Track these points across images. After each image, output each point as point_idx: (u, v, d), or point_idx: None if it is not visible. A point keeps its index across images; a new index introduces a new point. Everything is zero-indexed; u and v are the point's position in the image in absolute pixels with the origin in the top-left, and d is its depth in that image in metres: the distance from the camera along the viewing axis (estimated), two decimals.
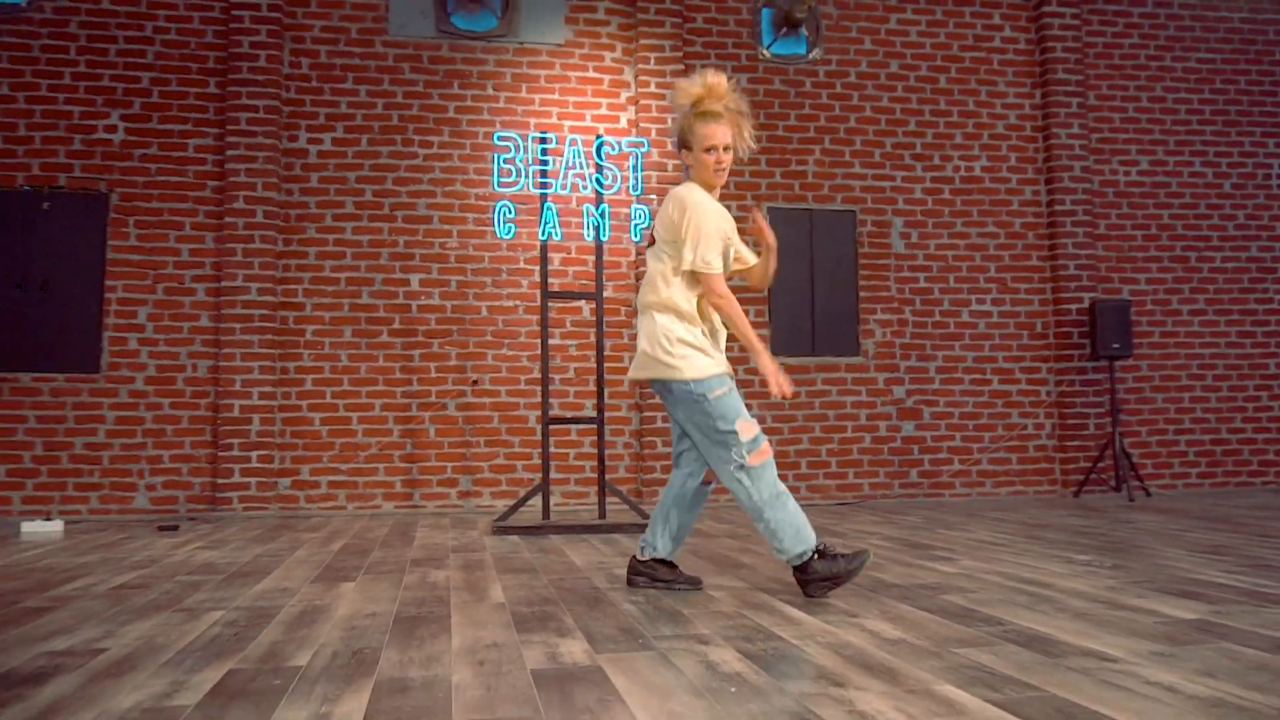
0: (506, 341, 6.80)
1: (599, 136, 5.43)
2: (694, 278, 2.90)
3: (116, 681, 1.94)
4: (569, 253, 6.88)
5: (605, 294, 6.61)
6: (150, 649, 2.25)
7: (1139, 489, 7.13)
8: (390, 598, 2.98)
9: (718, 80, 2.88)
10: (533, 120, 6.96)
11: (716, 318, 2.99)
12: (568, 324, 6.86)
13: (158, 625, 2.54)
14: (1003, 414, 7.44)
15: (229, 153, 6.49)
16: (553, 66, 7.08)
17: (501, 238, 5.38)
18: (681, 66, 7.12)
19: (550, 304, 6.68)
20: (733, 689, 1.86)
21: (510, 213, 5.20)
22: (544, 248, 5.23)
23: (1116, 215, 7.78)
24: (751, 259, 3.11)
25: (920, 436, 7.30)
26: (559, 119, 7.02)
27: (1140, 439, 7.59)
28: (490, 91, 6.97)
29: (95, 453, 6.23)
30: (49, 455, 6.18)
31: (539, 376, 6.20)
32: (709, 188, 2.94)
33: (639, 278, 6.79)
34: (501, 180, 5.18)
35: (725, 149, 2.88)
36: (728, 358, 3.01)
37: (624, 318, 6.93)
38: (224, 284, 6.42)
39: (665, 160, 6.91)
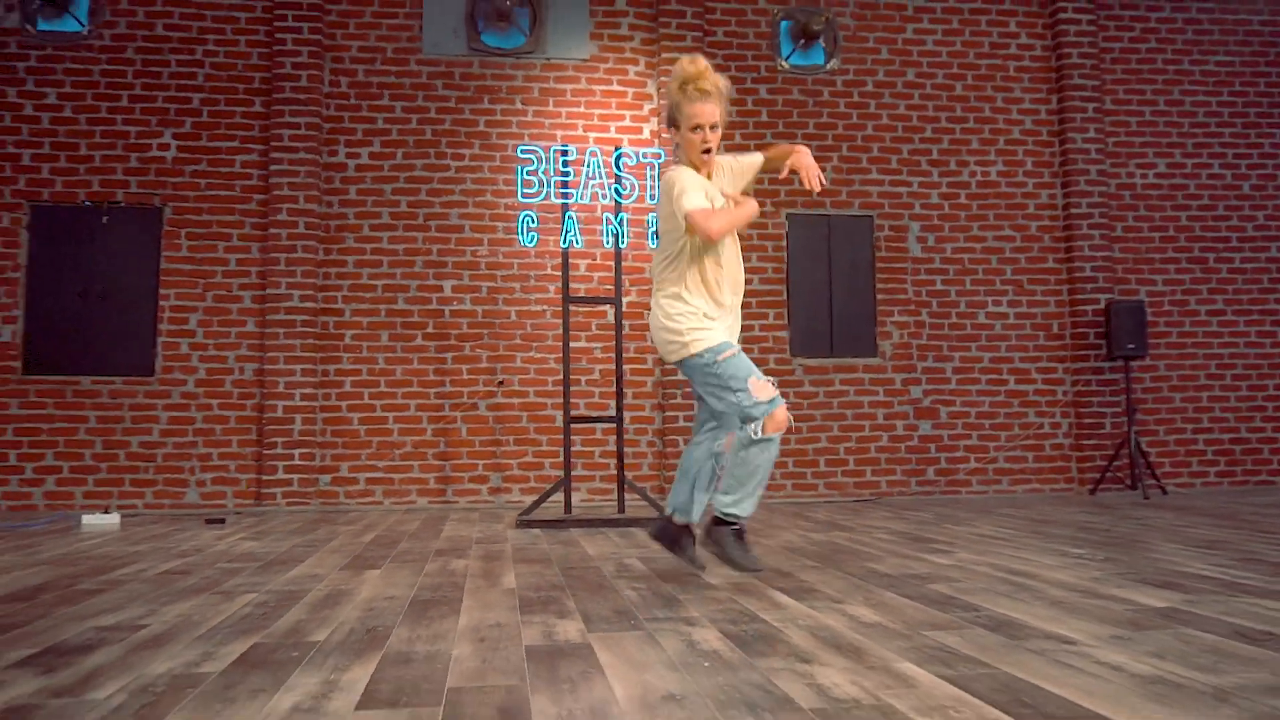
0: (534, 345, 6.96)
1: (618, 149, 5.57)
2: (691, 255, 2.93)
3: (153, 652, 2.12)
4: (594, 259, 7.03)
5: (629, 298, 6.75)
6: (186, 625, 2.42)
7: (1155, 487, 7.08)
8: (410, 583, 3.14)
9: (703, 63, 2.95)
10: (559, 132, 7.11)
11: (723, 292, 2.98)
12: (593, 327, 7.00)
13: (195, 606, 2.72)
14: (1019, 413, 7.43)
15: (273, 168, 6.74)
16: (578, 81, 7.23)
17: (525, 246, 5.54)
18: None
19: (576, 308, 6.84)
20: (706, 664, 1.97)
21: (533, 222, 5.37)
22: (565, 255, 5.37)
23: (1134, 217, 7.73)
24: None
25: (937, 435, 7.32)
26: (584, 131, 7.17)
27: (1158, 438, 7.54)
28: (519, 106, 7.15)
29: (150, 451, 6.51)
30: (108, 453, 6.47)
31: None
32: (696, 167, 2.99)
33: None
34: (525, 191, 5.34)
35: (712, 127, 2.92)
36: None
37: (647, 321, 7.06)
38: (268, 291, 6.66)
39: None
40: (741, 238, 7.28)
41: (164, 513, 6.30)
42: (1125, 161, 7.77)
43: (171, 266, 6.67)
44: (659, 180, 5.73)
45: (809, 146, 7.51)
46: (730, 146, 7.30)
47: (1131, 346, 6.99)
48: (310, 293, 6.71)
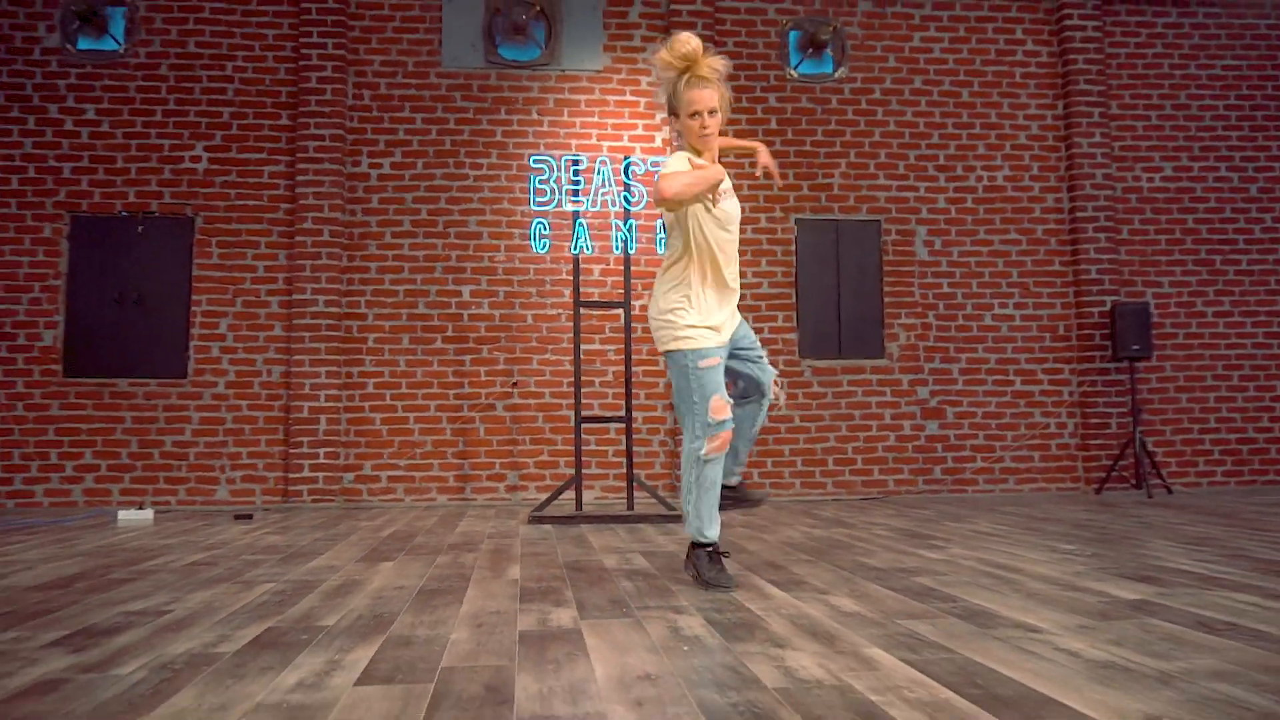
0: (550, 347, 7.08)
1: (627, 158, 5.68)
2: (696, 251, 2.88)
3: (175, 634, 2.25)
4: (607, 264, 7.13)
5: (640, 302, 6.85)
6: (207, 611, 2.55)
7: (1160, 486, 7.07)
8: (420, 574, 3.26)
9: (687, 43, 2.82)
10: (574, 141, 7.23)
11: (724, 285, 2.93)
12: (606, 330, 7.11)
13: (217, 593, 2.85)
14: (1025, 413, 7.44)
15: (299, 178, 6.92)
16: (592, 91, 7.34)
17: (538, 253, 5.65)
18: None
19: (590, 312, 6.96)
20: (685, 648, 2.07)
21: (545, 229, 5.49)
22: (576, 261, 5.48)
23: (1140, 220, 7.71)
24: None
25: (944, 435, 7.35)
26: (598, 140, 7.28)
27: (1165, 438, 7.52)
28: (535, 116, 7.27)
29: (183, 450, 6.71)
30: (143, 452, 6.67)
31: (581, 379, 6.48)
32: (697, 152, 2.92)
33: None
34: (537, 200, 5.46)
35: (710, 113, 2.84)
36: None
37: None
38: (295, 297, 6.84)
39: None
40: (750, 242, 7.38)
41: (196, 509, 6.49)
42: (1131, 165, 7.76)
43: (203, 274, 6.86)
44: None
45: (817, 153, 7.60)
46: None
47: (1136, 348, 6.99)
48: (334, 298, 6.88)
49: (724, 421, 2.83)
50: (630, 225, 5.55)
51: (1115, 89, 7.80)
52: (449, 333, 7.04)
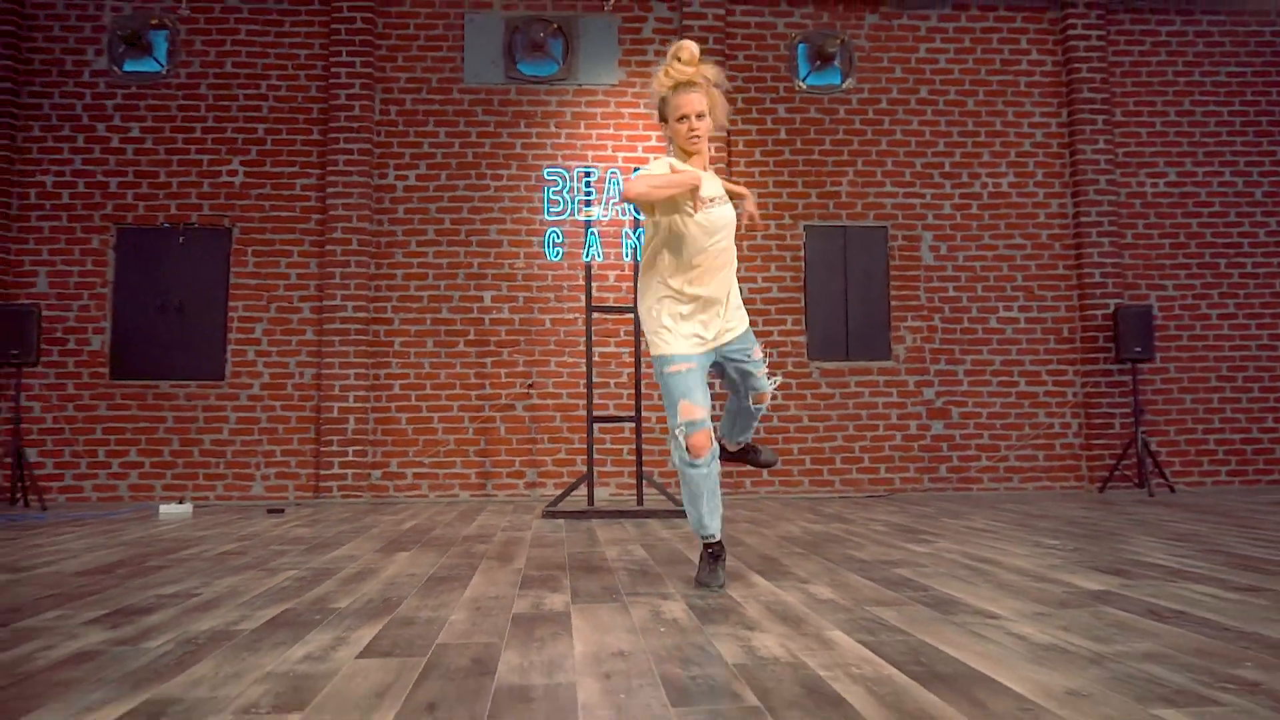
0: (567, 350, 7.23)
1: (636, 168, 5.80)
2: (658, 244, 2.82)
3: (201, 614, 2.41)
4: (622, 270, 7.26)
5: None
6: (232, 594, 2.72)
7: (1163, 485, 7.06)
8: (432, 563, 3.41)
9: (685, 48, 2.77)
10: (590, 153, 7.38)
11: (682, 281, 2.80)
12: (621, 333, 7.24)
13: (243, 579, 3.02)
14: (1030, 414, 7.47)
15: (329, 190, 7.14)
16: (608, 105, 7.49)
17: (552, 260, 5.80)
18: None
19: (604, 316, 7.10)
20: (662, 629, 2.20)
21: (559, 238, 5.64)
22: (588, 269, 5.63)
23: (1144, 225, 7.71)
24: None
25: (949, 434, 7.40)
26: (614, 151, 7.42)
27: (1169, 438, 7.50)
28: (552, 129, 7.43)
29: (220, 448, 6.95)
30: (184, 450, 6.93)
31: (596, 380, 6.62)
32: (686, 157, 2.82)
33: None
34: (551, 210, 5.61)
35: (698, 116, 2.75)
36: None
37: None
38: (325, 303, 7.06)
39: None
40: (760, 248, 7.47)
41: (232, 504, 6.72)
42: (1136, 171, 7.76)
43: (239, 281, 7.10)
44: None
45: (825, 162, 7.68)
46: (751, 162, 7.51)
47: (1138, 349, 6.99)
48: (363, 303, 7.09)
49: (695, 422, 2.71)
50: (640, 233, 5.68)
51: (1119, 96, 7.80)
52: (471, 336, 7.21)
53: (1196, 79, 7.88)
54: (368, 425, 7.03)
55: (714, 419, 3.00)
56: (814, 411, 7.32)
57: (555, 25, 7.47)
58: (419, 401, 7.12)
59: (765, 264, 7.41)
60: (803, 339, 7.39)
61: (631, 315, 7.15)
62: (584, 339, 7.15)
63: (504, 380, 7.18)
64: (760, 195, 7.42)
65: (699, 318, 2.82)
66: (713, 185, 2.85)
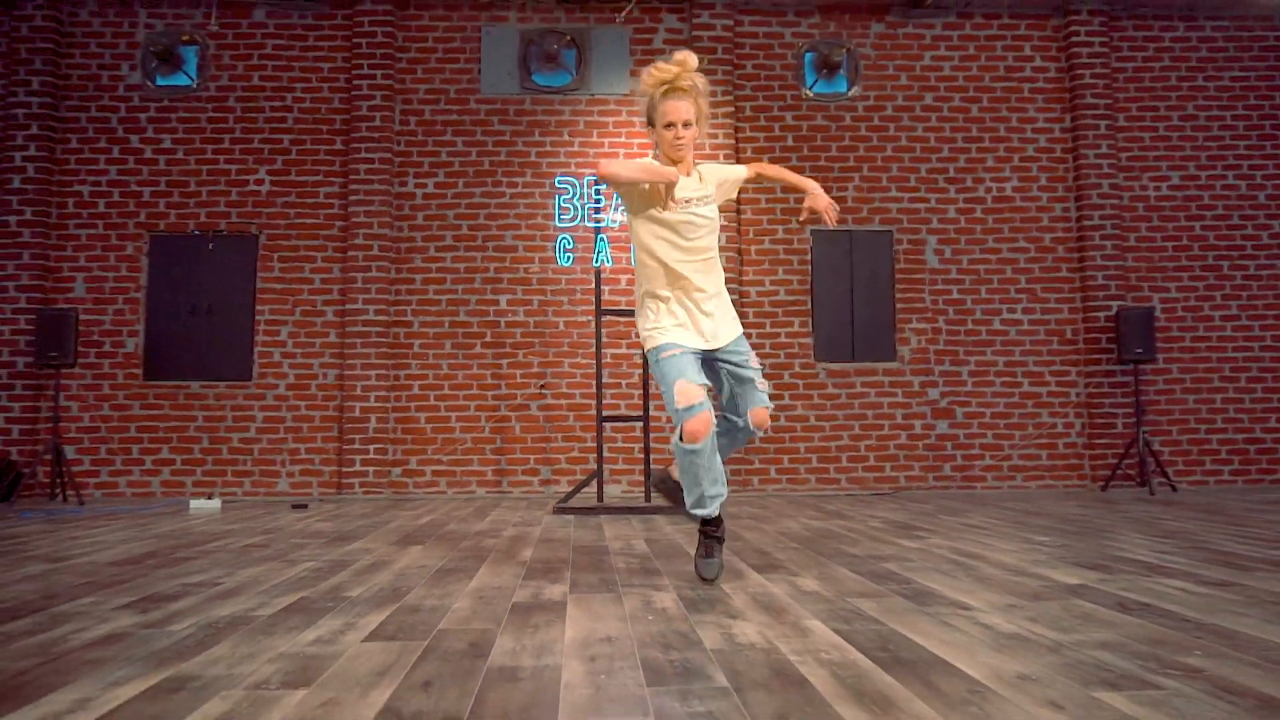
0: (580, 351, 7.35)
1: None
2: (649, 258, 2.78)
3: (222, 601, 2.55)
4: (631, 274, 7.36)
5: None
6: (253, 583, 2.86)
7: (1164, 484, 7.06)
8: (443, 556, 3.54)
9: (685, 56, 2.76)
10: (603, 160, 7.47)
11: (664, 285, 2.78)
12: (632, 335, 7.34)
13: (264, 570, 3.16)
14: (1033, 414, 7.49)
15: (351, 198, 7.30)
16: (619, 114, 7.60)
17: (563, 266, 5.92)
18: (732, 108, 7.52)
19: (616, 319, 7.20)
20: (650, 618, 2.30)
21: (569, 244, 5.76)
22: (598, 274, 5.74)
23: (1147, 228, 7.71)
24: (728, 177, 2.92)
25: (954, 434, 7.44)
26: (625, 158, 7.52)
27: (1171, 438, 7.50)
28: (566, 137, 7.55)
29: (248, 445, 7.13)
30: (213, 447, 7.11)
31: (607, 381, 6.74)
32: (669, 163, 2.78)
33: None
34: (562, 217, 5.72)
35: (685, 125, 2.72)
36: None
37: None
38: (347, 307, 7.22)
39: None
40: (768, 252, 7.54)
41: (259, 499, 6.90)
42: (1139, 175, 7.76)
43: (265, 286, 7.28)
44: None
45: (832, 168, 7.74)
46: None
47: (1140, 351, 7.00)
48: (383, 307, 7.24)
49: (692, 407, 2.61)
50: None
51: (1123, 101, 7.80)
52: (487, 338, 7.35)
53: (1200, 83, 7.86)
54: (388, 424, 7.18)
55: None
56: (820, 411, 7.38)
57: (568, 37, 7.59)
58: (437, 401, 7.27)
59: (773, 267, 7.49)
60: (809, 340, 7.46)
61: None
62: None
63: (519, 381, 7.31)
64: (768, 200, 7.50)
65: (691, 321, 2.79)
66: (692, 187, 2.79)
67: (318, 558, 3.49)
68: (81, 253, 7.22)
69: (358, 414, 7.10)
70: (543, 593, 2.69)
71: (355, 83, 7.40)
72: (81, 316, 6.96)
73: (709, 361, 2.83)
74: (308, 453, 7.17)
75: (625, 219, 5.41)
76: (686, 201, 2.76)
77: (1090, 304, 7.51)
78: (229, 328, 7.19)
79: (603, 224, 5.76)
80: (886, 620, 2.24)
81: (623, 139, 7.55)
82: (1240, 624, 2.14)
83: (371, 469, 7.08)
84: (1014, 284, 7.61)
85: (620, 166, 2.70)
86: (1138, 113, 7.82)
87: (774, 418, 7.31)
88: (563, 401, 7.31)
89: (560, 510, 5.44)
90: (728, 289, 2.91)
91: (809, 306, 7.49)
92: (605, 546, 3.83)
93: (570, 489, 7.16)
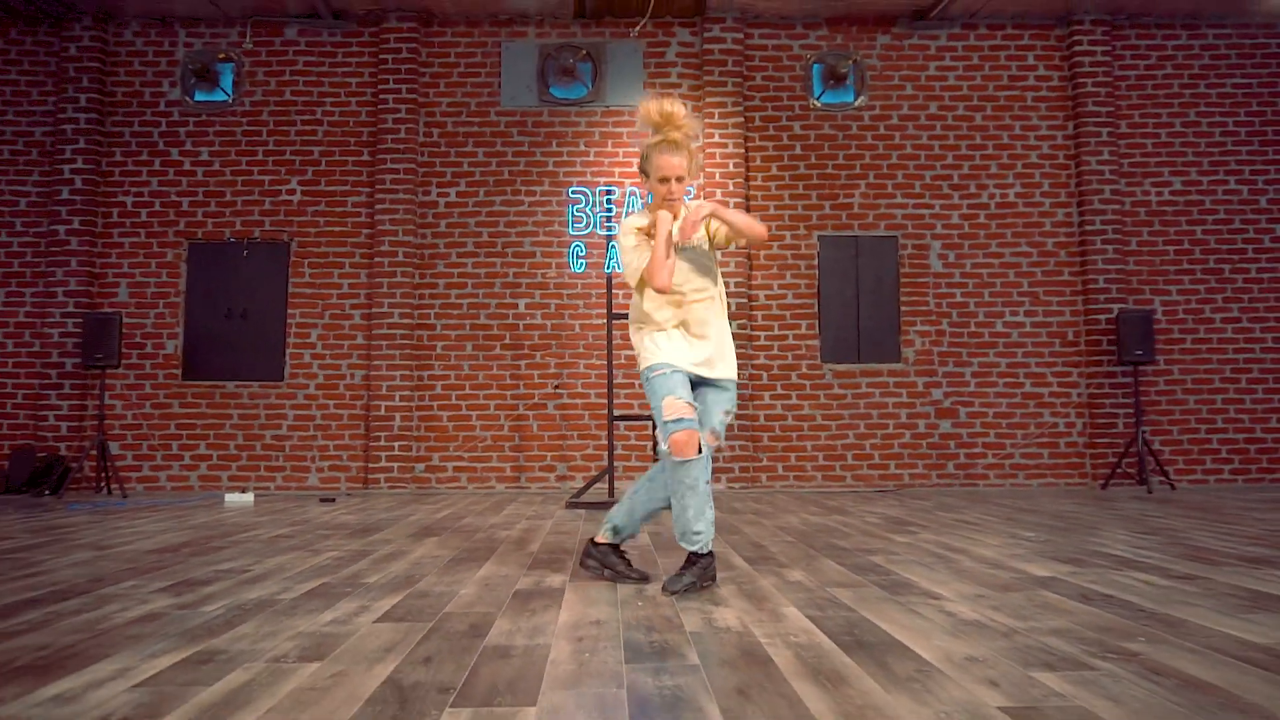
0: (595, 353, 7.49)
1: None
2: (636, 289, 2.86)
3: (251, 586, 2.72)
4: None
5: None
6: (279, 570, 3.03)
7: (1163, 482, 7.08)
8: (456, 547, 3.69)
9: (674, 109, 2.76)
10: (617, 170, 7.63)
11: (663, 310, 2.80)
12: None
13: (290, 558, 3.33)
14: (1035, 414, 7.53)
15: (377, 206, 7.50)
16: (634, 125, 7.73)
17: (576, 272, 6.06)
18: (742, 119, 7.63)
19: (626, 322, 7.34)
20: (640, 604, 2.43)
21: (582, 251, 5.90)
22: (609, 280, 5.88)
23: (1149, 232, 7.71)
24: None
25: (956, 433, 7.50)
26: (640, 169, 7.65)
27: (1172, 437, 7.51)
28: (582, 148, 7.70)
29: (280, 442, 7.35)
30: (247, 444, 7.35)
31: (620, 382, 6.88)
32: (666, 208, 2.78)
33: None
34: (575, 226, 5.87)
35: (678, 180, 2.75)
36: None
37: None
38: (374, 310, 7.42)
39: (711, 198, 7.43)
40: (775, 257, 7.63)
41: (290, 493, 7.12)
42: (1140, 180, 7.76)
43: (297, 290, 7.50)
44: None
45: (838, 175, 7.82)
46: (768, 176, 7.69)
47: (1139, 352, 7.02)
48: (408, 311, 7.44)
49: (679, 420, 2.63)
50: None
51: (1125, 109, 7.81)
52: (506, 340, 7.52)
53: (1202, 90, 7.85)
54: (412, 422, 7.37)
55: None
56: (827, 411, 7.47)
57: (585, 51, 7.73)
58: (459, 400, 7.45)
59: (781, 272, 7.59)
60: (816, 342, 7.55)
61: None
62: (614, 343, 7.42)
63: (537, 381, 7.47)
64: (776, 207, 7.59)
65: (689, 347, 2.79)
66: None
67: (340, 548, 3.66)
68: (125, 260, 7.49)
69: (383, 412, 7.30)
70: (544, 581, 2.83)
71: (381, 97, 7.60)
72: (125, 320, 7.21)
73: (697, 388, 2.79)
74: (336, 449, 7.38)
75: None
76: (686, 241, 2.74)
77: (1092, 307, 7.54)
78: (262, 330, 7.42)
79: (612, 232, 5.90)
80: (859, 608, 2.35)
81: (637, 149, 7.68)
82: (1190, 614, 2.23)
83: (396, 465, 7.28)
84: (1016, 287, 7.65)
85: (656, 268, 2.71)
86: (1140, 119, 7.82)
87: (781, 417, 7.42)
88: (578, 401, 7.46)
89: (572, 505, 5.58)
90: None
91: (816, 309, 7.58)
92: None
93: (585, 484, 7.32)
